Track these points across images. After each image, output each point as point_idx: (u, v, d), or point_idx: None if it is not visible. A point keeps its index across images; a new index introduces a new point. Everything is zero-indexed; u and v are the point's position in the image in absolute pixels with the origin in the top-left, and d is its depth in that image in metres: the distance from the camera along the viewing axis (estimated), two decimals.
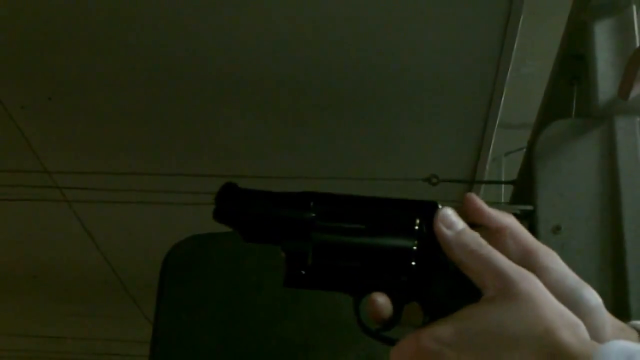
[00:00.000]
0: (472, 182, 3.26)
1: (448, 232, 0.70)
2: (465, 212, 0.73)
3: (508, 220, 0.73)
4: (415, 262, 0.72)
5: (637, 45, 1.85)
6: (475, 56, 2.61)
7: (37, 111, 3.04)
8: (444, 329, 0.67)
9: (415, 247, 0.72)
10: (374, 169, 3.16)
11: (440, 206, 0.74)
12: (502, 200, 2.90)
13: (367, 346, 1.59)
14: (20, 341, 5.61)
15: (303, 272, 0.73)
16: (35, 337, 5.55)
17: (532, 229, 1.65)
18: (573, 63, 2.11)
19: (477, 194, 3.31)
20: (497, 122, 2.91)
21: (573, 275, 0.72)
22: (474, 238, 0.70)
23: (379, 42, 2.57)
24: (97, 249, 4.16)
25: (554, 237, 1.67)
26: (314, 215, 0.74)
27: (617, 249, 1.64)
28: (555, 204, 1.73)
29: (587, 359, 0.62)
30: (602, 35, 1.89)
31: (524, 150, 2.57)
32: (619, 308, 1.53)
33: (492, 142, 3.04)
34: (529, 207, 1.76)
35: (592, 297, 0.71)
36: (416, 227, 0.73)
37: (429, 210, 0.73)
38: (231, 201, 0.76)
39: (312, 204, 0.75)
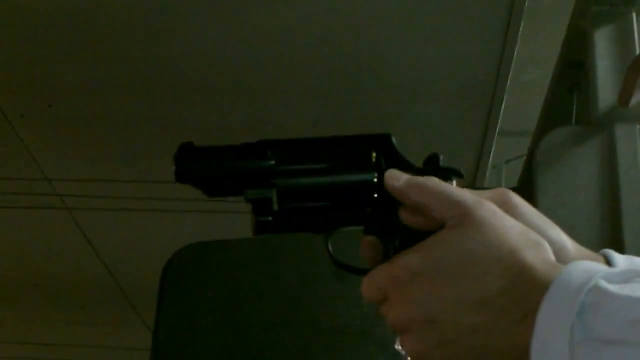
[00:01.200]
0: (472, 189, 3.25)
1: (398, 183, 0.73)
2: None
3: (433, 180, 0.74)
4: (377, 193, 0.75)
5: (637, 52, 1.86)
6: (475, 64, 2.61)
7: (37, 119, 3.04)
8: (412, 258, 0.69)
9: (375, 179, 0.75)
10: None
11: (393, 137, 0.77)
12: None
13: (367, 353, 1.59)
14: (20, 348, 5.61)
15: (270, 218, 0.76)
16: (35, 344, 5.54)
17: None
18: (573, 70, 2.11)
19: None
20: (497, 129, 2.91)
21: (535, 212, 0.74)
22: (426, 178, 0.73)
23: (377, 49, 2.57)
24: (97, 257, 4.15)
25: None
26: (273, 162, 0.76)
27: None
28: (556, 211, 1.73)
29: (551, 278, 0.63)
30: (602, 43, 1.90)
31: (524, 157, 2.57)
32: None
33: (492, 149, 3.04)
34: None
35: (555, 233, 0.73)
36: (373, 160, 0.76)
37: (384, 142, 0.77)
38: (190, 160, 0.79)
39: (269, 151, 0.77)
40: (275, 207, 0.76)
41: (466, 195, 0.71)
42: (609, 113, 1.80)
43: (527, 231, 0.69)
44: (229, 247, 1.73)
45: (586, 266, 0.64)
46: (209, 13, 2.46)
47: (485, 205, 0.70)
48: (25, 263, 4.32)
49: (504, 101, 2.73)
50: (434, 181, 0.72)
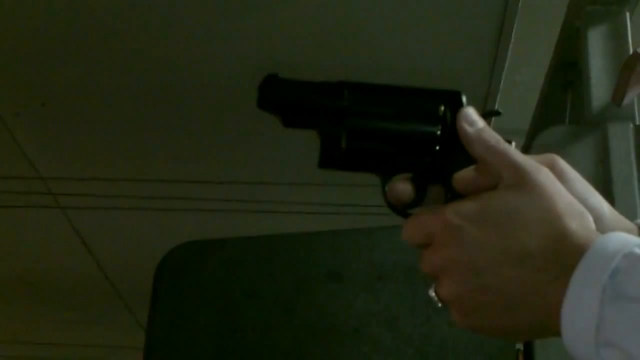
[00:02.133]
0: None
1: (469, 129, 0.79)
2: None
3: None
4: (439, 145, 0.80)
5: (631, 51, 1.86)
6: (469, 63, 2.61)
7: (31, 117, 3.03)
8: (466, 206, 0.74)
9: (439, 132, 0.80)
10: (371, 176, 3.16)
11: (463, 95, 0.83)
12: None
13: (361, 353, 1.59)
14: (14, 348, 5.60)
15: (337, 154, 0.81)
16: (29, 343, 5.54)
17: None
18: (567, 70, 2.12)
19: None
20: (491, 128, 2.91)
21: (581, 179, 0.79)
22: (493, 135, 0.78)
23: (370, 50, 2.57)
24: (91, 256, 4.15)
25: None
26: (347, 103, 0.82)
27: None
28: None
29: (588, 246, 0.68)
30: (596, 42, 1.90)
31: None
32: None
33: None
34: None
35: (597, 203, 0.78)
36: (440, 114, 0.81)
37: (453, 99, 0.82)
38: (273, 89, 0.85)
39: (346, 92, 0.83)
40: (344, 144, 0.81)
41: (526, 159, 0.75)
42: (602, 112, 1.81)
43: (574, 202, 0.73)
44: (223, 246, 1.73)
45: (623, 237, 0.68)
46: (204, 11, 2.46)
47: (542, 171, 0.74)
48: (18, 261, 4.31)
49: (497, 100, 2.73)
50: (499, 140, 0.78)
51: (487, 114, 0.83)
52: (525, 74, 2.82)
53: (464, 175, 0.77)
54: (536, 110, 2.37)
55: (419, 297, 1.66)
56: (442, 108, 0.80)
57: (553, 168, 0.77)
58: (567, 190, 0.75)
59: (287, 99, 0.83)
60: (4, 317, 5.11)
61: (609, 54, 1.88)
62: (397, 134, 0.80)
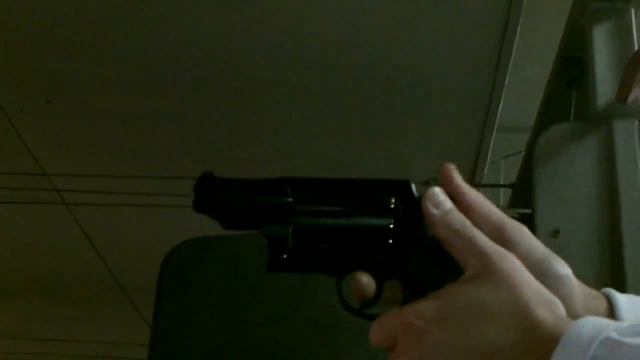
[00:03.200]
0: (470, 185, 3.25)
1: (435, 211, 0.73)
2: (441, 181, 0.77)
3: (476, 195, 0.76)
4: (392, 239, 0.75)
5: (636, 48, 1.86)
6: (474, 60, 2.61)
7: (36, 114, 3.03)
8: (426, 306, 0.69)
9: (391, 225, 0.75)
10: (372, 172, 3.16)
11: (412, 184, 0.77)
12: (501, 204, 2.90)
13: (365, 349, 1.59)
14: (18, 344, 5.61)
15: (285, 256, 0.76)
16: (33, 339, 5.55)
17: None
18: (572, 66, 2.11)
19: None
20: (496, 125, 2.91)
21: (542, 246, 0.75)
22: (460, 218, 0.73)
23: (378, 46, 2.57)
24: (96, 252, 4.16)
25: (553, 241, 1.67)
26: (291, 199, 0.76)
27: (615, 253, 1.64)
28: (554, 207, 1.73)
29: (560, 335, 0.64)
30: (601, 39, 1.89)
31: (523, 153, 2.57)
32: None
33: (491, 145, 3.04)
34: (528, 211, 1.76)
35: (561, 266, 0.74)
36: (392, 206, 0.76)
37: (402, 189, 0.77)
38: (210, 191, 0.78)
39: (289, 189, 0.77)
40: (290, 244, 0.76)
41: (492, 246, 0.71)
42: (607, 109, 1.80)
43: (542, 289, 0.69)
44: (228, 242, 1.73)
45: (597, 321, 0.65)
46: (208, 8, 2.46)
47: (508, 258, 0.70)
48: (23, 258, 4.32)
49: (502, 97, 2.73)
50: (465, 224, 0.72)
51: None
52: (530, 71, 2.81)
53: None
54: (541, 107, 2.36)
55: None
56: (393, 199, 0.76)
57: (512, 238, 0.73)
58: (528, 258, 0.72)
59: (227, 200, 0.78)
60: (9, 312, 5.12)
61: (614, 51, 1.88)
62: (347, 230, 0.75)
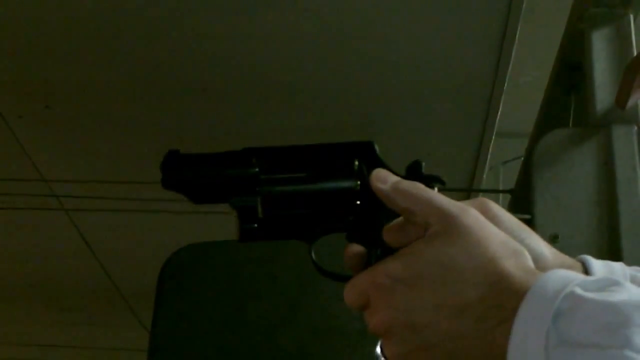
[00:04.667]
0: (469, 191, 3.26)
1: (384, 187, 0.74)
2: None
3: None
4: (359, 201, 0.76)
5: (634, 53, 1.86)
6: (473, 65, 2.61)
7: (35, 120, 3.03)
8: (393, 265, 0.70)
9: (357, 187, 0.76)
10: None
11: (375, 145, 0.79)
12: None
13: (364, 354, 1.59)
14: (17, 350, 5.60)
15: (255, 225, 0.77)
16: (32, 345, 5.54)
17: None
18: (571, 72, 2.12)
19: None
20: (495, 130, 2.91)
21: (516, 222, 0.76)
22: (412, 184, 0.74)
23: (376, 51, 2.57)
24: (95, 258, 4.15)
25: (552, 246, 1.67)
26: (257, 169, 0.77)
27: (614, 258, 1.64)
28: (553, 212, 1.73)
29: (528, 285, 0.65)
30: (599, 44, 1.90)
31: (522, 159, 2.57)
32: None
33: (490, 150, 3.04)
34: (527, 216, 1.76)
35: (534, 243, 0.75)
36: (355, 168, 0.77)
37: (366, 150, 0.78)
38: (176, 168, 0.80)
39: (254, 159, 0.78)
40: (260, 214, 0.77)
41: (451, 202, 0.71)
42: (606, 114, 1.80)
43: (508, 240, 0.70)
44: (227, 248, 1.73)
45: (563, 274, 0.66)
46: (207, 15, 2.46)
47: (469, 212, 0.70)
48: (22, 264, 4.31)
49: (501, 103, 2.73)
50: (419, 187, 0.73)
51: (431, 180, 0.77)
52: (529, 76, 2.81)
53: (393, 227, 0.74)
54: (540, 112, 2.37)
55: None
56: (357, 162, 0.77)
57: (485, 212, 0.73)
58: (500, 228, 0.72)
59: (194, 175, 0.79)
60: (8, 318, 5.11)
61: (612, 57, 1.88)
62: (315, 194, 0.76)
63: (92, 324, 5.10)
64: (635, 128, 1.78)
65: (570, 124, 2.08)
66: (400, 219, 0.74)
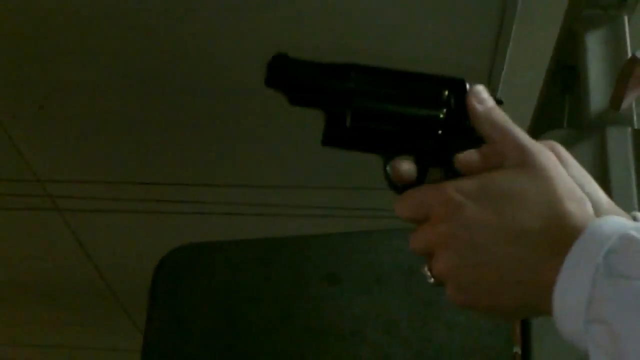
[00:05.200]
0: None
1: (479, 107, 0.80)
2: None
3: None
4: (442, 129, 0.82)
5: (629, 55, 1.86)
6: (467, 66, 2.61)
7: (28, 120, 3.03)
8: (468, 184, 0.75)
9: (442, 116, 0.82)
10: (368, 179, 3.16)
11: (467, 83, 0.84)
12: None
13: (359, 356, 1.59)
14: (9, 350, 5.59)
15: (341, 132, 0.84)
16: (25, 346, 5.53)
17: None
18: (565, 73, 2.12)
19: None
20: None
21: (580, 169, 0.81)
22: (502, 115, 0.79)
23: (372, 54, 2.57)
24: (88, 258, 4.14)
25: None
26: (353, 84, 0.83)
27: None
28: None
29: (585, 227, 0.70)
30: (594, 46, 1.90)
31: None
32: None
33: None
34: None
35: (594, 190, 0.79)
36: (444, 99, 0.82)
37: (457, 86, 0.83)
38: (281, 68, 0.87)
39: (352, 74, 0.84)
40: (349, 123, 0.83)
41: (532, 142, 0.77)
42: (600, 116, 1.81)
43: (575, 187, 0.75)
44: (222, 248, 1.73)
45: (619, 220, 0.71)
46: (204, 14, 2.46)
47: (546, 154, 0.76)
48: (15, 264, 4.30)
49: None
50: (508, 121, 0.79)
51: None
52: (523, 78, 2.82)
53: (467, 156, 0.78)
54: (534, 113, 2.37)
55: (417, 299, 1.66)
56: (446, 93, 0.82)
57: (556, 153, 0.79)
58: (567, 172, 0.77)
59: (295, 78, 0.85)
60: (0, 319, 5.10)
61: (607, 58, 1.89)
62: (401, 116, 0.82)
63: (85, 325, 5.09)
64: (630, 130, 1.79)
65: (565, 126, 2.08)
66: (475, 150, 0.78)
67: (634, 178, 1.70)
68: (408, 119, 0.82)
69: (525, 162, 0.75)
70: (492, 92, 0.85)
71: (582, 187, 0.77)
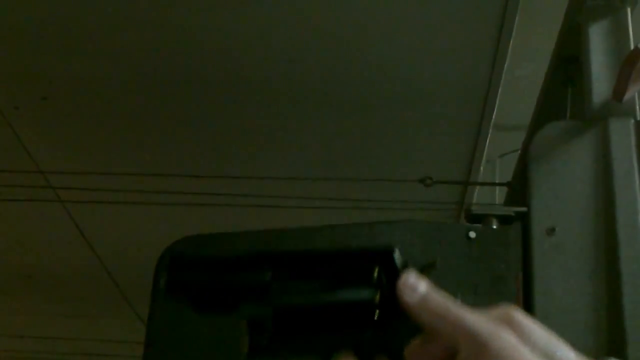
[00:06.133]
0: (466, 184, 3.26)
1: (411, 300, 0.67)
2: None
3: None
4: (378, 314, 0.69)
5: (632, 47, 1.86)
6: (470, 58, 2.61)
7: (31, 111, 3.03)
8: None
9: (376, 299, 0.69)
10: (368, 170, 3.16)
11: (396, 251, 0.70)
12: (497, 202, 2.90)
13: None
14: (13, 342, 5.60)
15: (265, 339, 0.70)
16: (28, 337, 5.54)
17: (526, 231, 1.66)
18: (567, 65, 2.11)
19: (471, 195, 3.31)
20: (492, 123, 2.91)
21: (544, 333, 0.72)
22: (441, 301, 0.67)
23: (375, 44, 2.57)
24: (91, 249, 4.15)
25: (548, 239, 1.67)
26: (268, 278, 0.70)
27: (611, 251, 1.65)
28: (550, 205, 1.73)
29: None
30: (597, 37, 1.90)
31: (519, 152, 2.57)
32: (613, 310, 1.53)
33: (487, 143, 3.04)
34: (523, 209, 1.76)
35: (565, 355, 0.70)
36: (374, 279, 0.69)
37: (386, 257, 0.71)
38: (183, 270, 0.70)
39: (266, 265, 0.71)
40: (271, 326, 0.70)
41: (483, 323, 0.67)
42: (603, 107, 1.80)
43: None
44: (225, 240, 1.73)
45: None
46: (206, 7, 2.46)
47: (502, 336, 0.67)
48: (19, 255, 4.31)
49: (498, 96, 2.73)
50: (449, 305, 0.68)
51: (427, 267, 0.72)
52: (526, 69, 2.81)
53: (415, 349, 0.67)
54: (537, 105, 2.36)
55: None
56: (377, 270, 0.70)
57: (512, 323, 0.69)
58: (531, 348, 0.68)
59: (201, 280, 0.69)
60: (4, 310, 5.11)
61: (610, 50, 1.88)
62: (330, 307, 0.69)
63: (88, 316, 5.10)
64: (632, 121, 1.78)
65: (567, 117, 2.08)
66: (422, 337, 0.67)
67: (637, 169, 1.70)
68: (339, 309, 0.68)
69: (481, 352, 0.65)
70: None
71: (553, 355, 0.69)
